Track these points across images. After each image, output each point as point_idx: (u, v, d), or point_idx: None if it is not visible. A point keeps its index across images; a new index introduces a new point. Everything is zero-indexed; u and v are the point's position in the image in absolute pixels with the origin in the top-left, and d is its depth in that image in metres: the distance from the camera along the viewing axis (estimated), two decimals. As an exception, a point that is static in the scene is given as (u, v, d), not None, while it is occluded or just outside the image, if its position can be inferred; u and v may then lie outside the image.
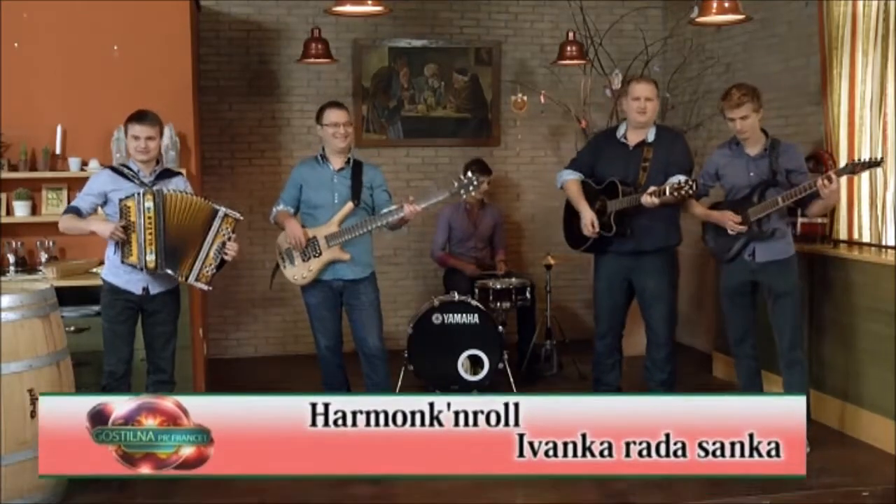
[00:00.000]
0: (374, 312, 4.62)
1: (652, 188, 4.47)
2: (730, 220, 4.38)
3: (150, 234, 4.08)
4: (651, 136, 4.74)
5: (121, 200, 4.09)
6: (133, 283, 4.20)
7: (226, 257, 4.25)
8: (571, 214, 4.98)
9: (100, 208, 4.23)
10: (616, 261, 4.81)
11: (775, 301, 4.42)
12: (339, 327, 4.70)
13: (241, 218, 4.32)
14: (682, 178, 4.45)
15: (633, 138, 4.78)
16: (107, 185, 4.18)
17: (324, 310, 4.62)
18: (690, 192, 4.35)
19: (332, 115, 4.53)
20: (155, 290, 4.24)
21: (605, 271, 4.90)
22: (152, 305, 4.26)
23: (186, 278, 4.20)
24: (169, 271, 4.15)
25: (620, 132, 4.83)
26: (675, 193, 4.36)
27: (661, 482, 4.09)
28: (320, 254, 4.50)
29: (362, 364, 4.67)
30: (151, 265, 4.10)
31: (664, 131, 4.86)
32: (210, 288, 4.31)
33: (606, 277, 4.89)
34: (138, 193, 4.09)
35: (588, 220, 4.74)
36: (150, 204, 4.08)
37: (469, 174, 4.50)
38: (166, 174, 4.29)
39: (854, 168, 4.11)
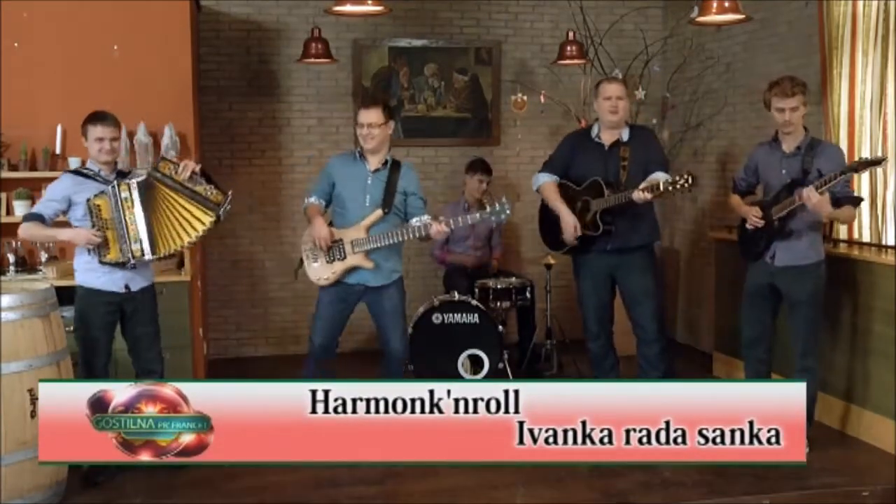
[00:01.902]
0: (398, 317, 4.59)
1: (644, 184, 4.46)
2: (751, 215, 4.37)
3: (132, 223, 4.06)
4: (625, 136, 4.75)
5: (89, 200, 4.05)
6: (114, 282, 4.16)
7: (196, 173, 4.12)
8: (548, 216, 4.98)
9: (63, 214, 4.15)
10: (599, 259, 4.79)
11: (792, 307, 4.38)
12: (338, 332, 4.65)
13: (163, 155, 4.32)
14: (665, 175, 4.44)
15: (607, 138, 4.78)
16: (70, 189, 4.11)
17: (331, 311, 4.58)
18: (686, 185, 4.32)
19: (361, 116, 4.45)
20: (136, 286, 4.22)
21: (588, 270, 4.88)
22: (132, 304, 4.22)
23: (216, 220, 4.10)
24: (154, 257, 4.13)
25: (594, 132, 4.84)
26: (671, 188, 4.33)
27: (662, 482, 4.10)
28: (345, 258, 4.46)
29: (382, 363, 4.68)
30: (138, 254, 4.09)
31: (637, 130, 4.89)
32: (230, 193, 4.18)
33: (591, 276, 4.87)
34: (112, 187, 4.07)
35: (571, 224, 4.71)
36: (126, 194, 4.07)
37: (504, 200, 4.42)
38: (123, 175, 4.23)
39: (857, 167, 4.09)
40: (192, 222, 4.11)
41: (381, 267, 4.49)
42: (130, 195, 4.07)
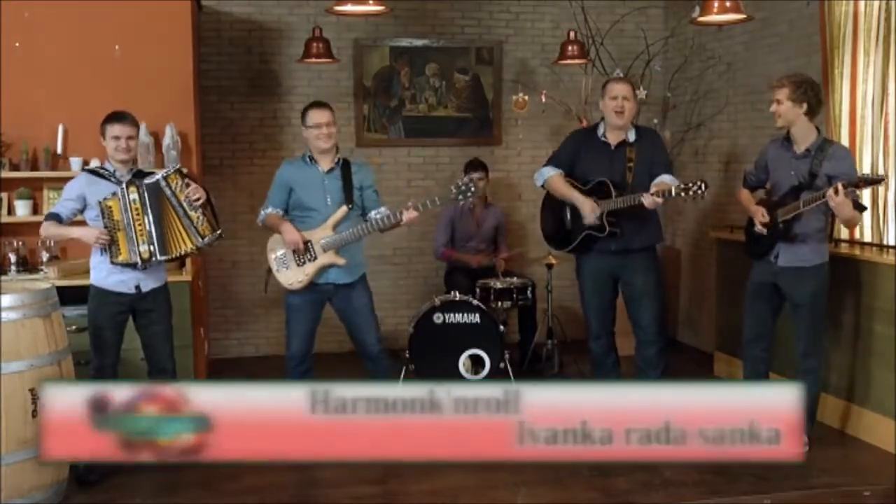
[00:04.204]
0: (370, 314, 4.62)
1: (654, 188, 4.45)
2: (758, 217, 4.37)
3: (140, 225, 4.08)
4: (632, 137, 4.73)
5: (100, 202, 4.08)
6: (124, 283, 4.19)
7: (201, 199, 4.14)
8: (550, 213, 4.95)
9: (80, 213, 4.18)
10: (601, 259, 4.78)
11: (794, 308, 4.39)
12: (314, 332, 4.65)
13: (182, 168, 4.29)
14: (671, 178, 4.44)
15: (613, 138, 4.75)
16: (84, 188, 4.15)
17: (304, 313, 4.57)
18: (700, 192, 4.32)
19: (315, 116, 4.49)
20: (147, 286, 4.23)
21: (590, 270, 4.86)
22: (144, 304, 4.24)
23: (199, 247, 4.15)
24: (163, 258, 4.13)
25: (600, 131, 4.80)
26: (684, 194, 4.33)
27: (662, 482, 4.10)
28: (316, 258, 4.48)
29: (366, 364, 4.68)
30: (146, 255, 4.09)
31: (643, 131, 4.88)
32: (219, 231, 4.21)
33: (592, 277, 4.86)
34: (121, 188, 4.09)
35: (589, 206, 4.65)
36: (135, 196, 4.08)
37: (465, 178, 4.49)
38: (141, 174, 4.25)
39: (859, 183, 4.04)
40: (185, 236, 4.15)
41: (350, 263, 4.52)
42: (139, 197, 4.09)
